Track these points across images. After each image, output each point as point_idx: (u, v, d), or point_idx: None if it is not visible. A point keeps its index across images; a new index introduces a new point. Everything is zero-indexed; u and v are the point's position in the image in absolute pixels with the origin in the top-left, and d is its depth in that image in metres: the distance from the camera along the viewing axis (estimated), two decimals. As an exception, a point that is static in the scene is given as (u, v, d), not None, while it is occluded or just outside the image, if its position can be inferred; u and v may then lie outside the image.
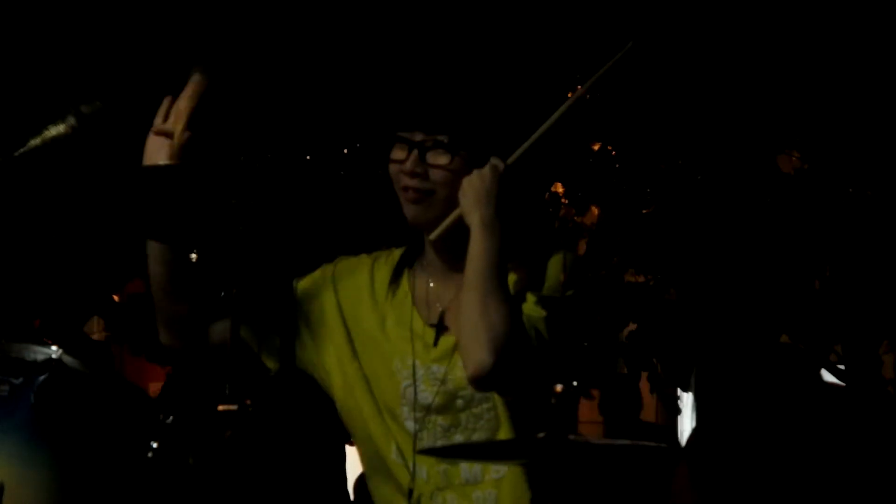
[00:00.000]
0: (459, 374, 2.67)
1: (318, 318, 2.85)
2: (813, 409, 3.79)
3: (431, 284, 2.79)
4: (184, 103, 2.67)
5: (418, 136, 2.69)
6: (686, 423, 10.35)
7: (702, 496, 3.89)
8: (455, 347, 2.70)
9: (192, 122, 2.66)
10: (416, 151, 2.69)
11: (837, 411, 3.84)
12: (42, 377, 2.55)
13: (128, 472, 2.57)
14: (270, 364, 2.83)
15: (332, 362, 2.83)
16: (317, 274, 2.89)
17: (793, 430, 3.75)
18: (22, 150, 2.58)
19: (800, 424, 3.76)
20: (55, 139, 2.60)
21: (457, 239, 2.69)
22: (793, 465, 3.72)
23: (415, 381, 2.73)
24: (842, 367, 7.43)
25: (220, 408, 2.55)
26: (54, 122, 2.60)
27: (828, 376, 7.23)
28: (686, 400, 8.47)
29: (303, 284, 2.88)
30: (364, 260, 2.88)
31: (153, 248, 2.73)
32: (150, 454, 2.59)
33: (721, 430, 3.84)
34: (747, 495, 3.77)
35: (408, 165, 2.69)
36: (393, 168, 2.72)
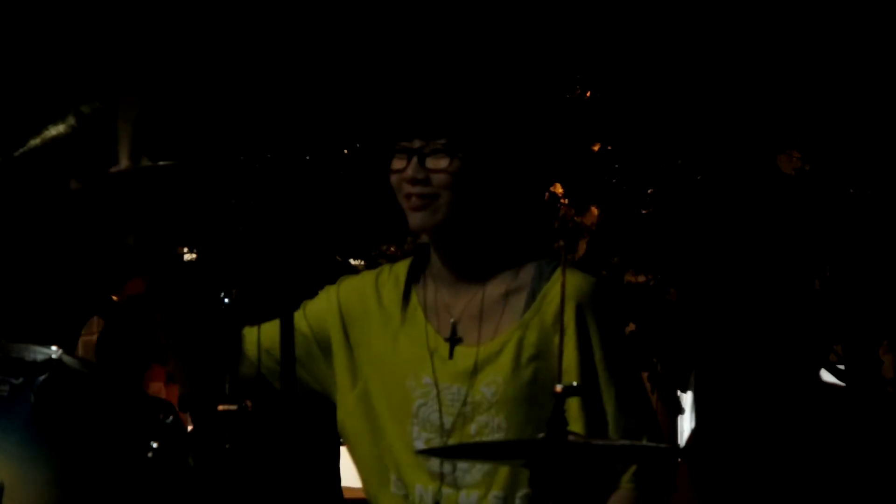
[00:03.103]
0: (479, 396, 2.66)
1: (323, 346, 2.84)
2: (813, 409, 3.79)
3: (441, 296, 2.78)
4: None
5: (417, 143, 2.71)
6: (686, 423, 10.35)
7: (702, 496, 3.89)
8: (475, 367, 2.69)
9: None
10: (415, 158, 2.70)
11: (837, 411, 3.84)
12: (42, 377, 2.55)
13: (128, 472, 2.57)
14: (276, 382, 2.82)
15: (335, 390, 2.83)
16: (321, 300, 2.88)
17: (793, 430, 3.75)
18: (22, 150, 2.58)
19: (800, 424, 3.75)
20: (55, 139, 2.60)
21: (463, 246, 2.69)
22: (793, 465, 3.72)
23: (429, 399, 2.72)
24: (842, 367, 7.43)
25: (220, 408, 2.55)
26: (54, 122, 2.60)
27: (828, 376, 7.23)
28: (686, 400, 8.47)
29: (308, 311, 2.87)
30: (367, 278, 2.87)
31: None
32: (150, 454, 2.59)
33: (721, 430, 3.83)
34: (747, 495, 3.76)
35: (409, 173, 2.70)
36: (394, 178, 2.74)
